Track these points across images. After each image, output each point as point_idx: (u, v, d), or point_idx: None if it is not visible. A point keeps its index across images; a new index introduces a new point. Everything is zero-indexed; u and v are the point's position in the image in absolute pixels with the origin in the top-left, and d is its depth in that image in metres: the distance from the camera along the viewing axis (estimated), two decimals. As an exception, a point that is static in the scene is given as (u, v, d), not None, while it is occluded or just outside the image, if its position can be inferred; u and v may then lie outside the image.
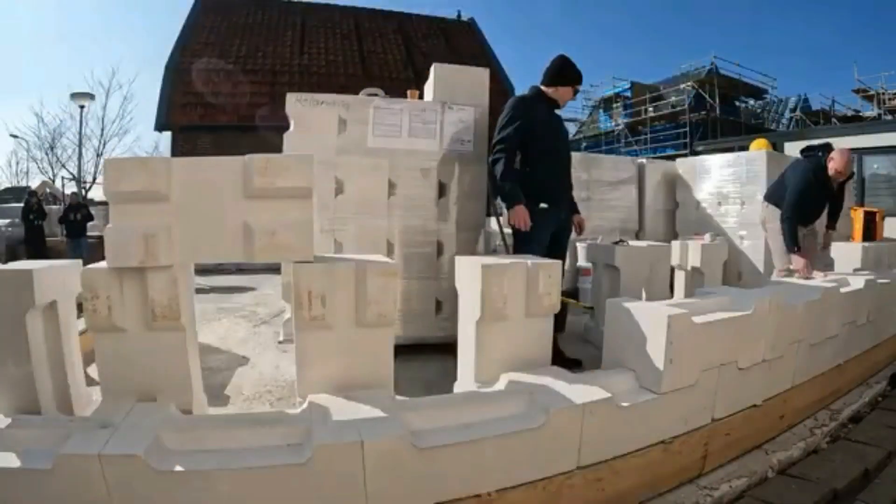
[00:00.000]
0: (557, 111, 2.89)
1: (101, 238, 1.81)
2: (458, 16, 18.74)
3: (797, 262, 3.18)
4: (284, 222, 1.60)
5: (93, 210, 9.89)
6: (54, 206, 11.27)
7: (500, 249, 4.04)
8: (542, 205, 2.65)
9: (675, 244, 4.04)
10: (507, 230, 3.11)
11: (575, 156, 4.21)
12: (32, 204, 9.30)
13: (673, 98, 17.67)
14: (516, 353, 1.89)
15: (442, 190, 3.18)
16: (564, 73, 2.78)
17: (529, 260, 1.98)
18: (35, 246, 8.86)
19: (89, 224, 8.94)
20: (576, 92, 2.88)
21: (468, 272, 1.97)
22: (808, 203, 3.32)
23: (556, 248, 2.74)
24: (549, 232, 2.71)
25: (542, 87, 2.79)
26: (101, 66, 44.26)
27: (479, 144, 3.24)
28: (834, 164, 3.30)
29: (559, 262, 2.01)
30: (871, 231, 5.21)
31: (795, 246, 3.22)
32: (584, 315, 3.56)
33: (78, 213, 8.78)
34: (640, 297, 3.08)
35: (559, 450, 1.55)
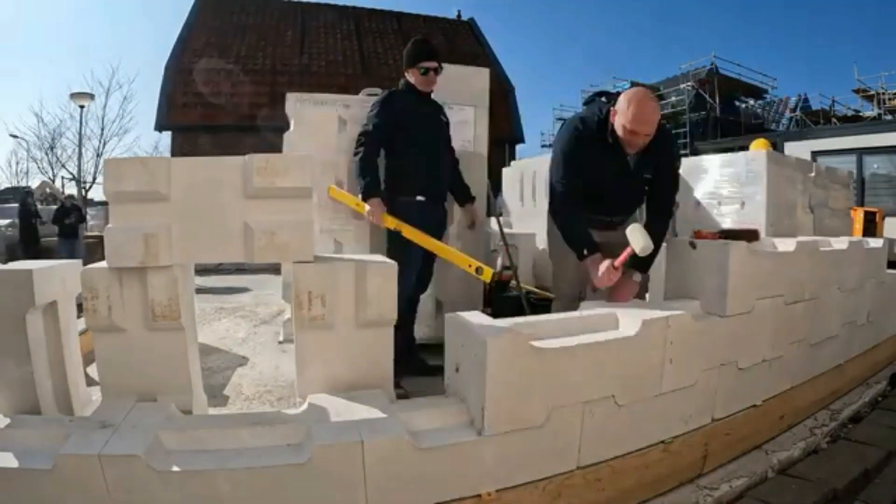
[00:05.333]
0: (433, 100, 2.68)
1: (100, 238, 1.81)
2: (458, 16, 18.75)
3: (594, 268, 2.00)
4: (284, 222, 1.60)
5: (93, 210, 9.91)
6: (53, 206, 11.28)
7: (501, 249, 4.04)
8: (419, 197, 2.50)
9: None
10: (508, 230, 3.11)
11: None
12: (30, 204, 9.35)
13: (673, 98, 17.67)
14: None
15: (442, 190, 3.18)
16: (408, 55, 2.59)
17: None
18: (30, 245, 8.89)
19: (90, 224, 8.97)
20: (427, 72, 2.55)
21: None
22: (581, 173, 2.11)
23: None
24: (429, 225, 2.50)
25: (405, 78, 2.64)
26: (101, 66, 44.29)
27: (479, 144, 3.24)
28: (620, 117, 1.98)
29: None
30: (871, 231, 5.21)
31: (584, 246, 2.05)
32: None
33: (71, 214, 8.82)
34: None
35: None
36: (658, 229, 2.09)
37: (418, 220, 2.46)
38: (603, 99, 2.22)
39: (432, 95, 2.68)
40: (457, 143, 3.18)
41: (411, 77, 2.59)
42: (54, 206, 10.11)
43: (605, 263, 1.96)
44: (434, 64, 2.57)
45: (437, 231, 2.61)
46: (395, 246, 2.43)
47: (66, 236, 8.78)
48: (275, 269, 5.25)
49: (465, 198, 2.88)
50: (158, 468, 1.25)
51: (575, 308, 2.02)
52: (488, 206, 3.42)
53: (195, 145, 12.50)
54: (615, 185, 2.16)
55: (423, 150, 2.54)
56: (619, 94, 2.11)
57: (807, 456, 2.10)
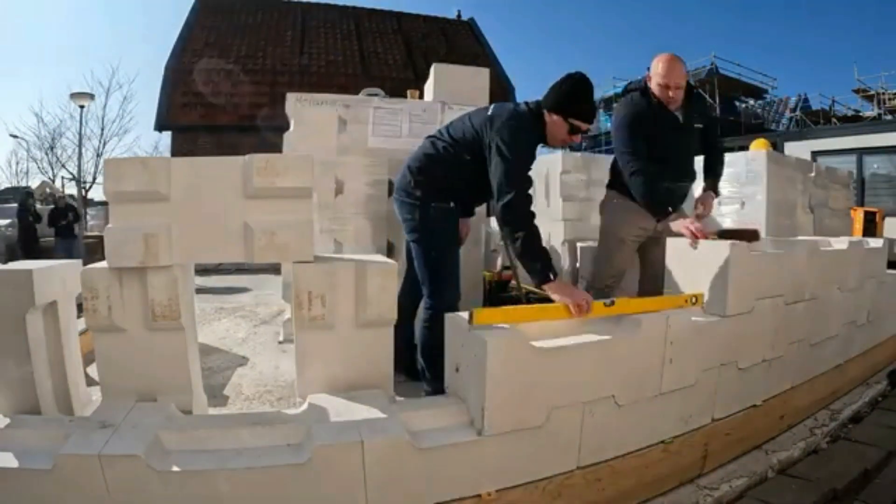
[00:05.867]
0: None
1: (100, 238, 1.81)
2: (458, 16, 18.74)
3: (678, 225, 2.15)
4: (284, 222, 1.60)
5: (93, 210, 9.91)
6: (52, 206, 11.31)
7: (501, 249, 4.04)
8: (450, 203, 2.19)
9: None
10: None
11: (575, 156, 4.22)
12: (30, 205, 9.36)
13: (673, 98, 17.62)
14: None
15: (442, 190, 3.17)
16: (578, 100, 2.09)
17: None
18: (29, 246, 8.89)
19: (90, 224, 8.98)
20: (577, 132, 2.12)
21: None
22: (647, 143, 2.31)
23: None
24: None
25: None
26: (101, 66, 44.31)
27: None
28: (654, 78, 2.33)
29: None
30: (871, 231, 5.21)
31: (670, 205, 2.26)
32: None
33: (68, 214, 8.82)
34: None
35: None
36: (721, 165, 2.66)
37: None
38: (632, 85, 2.55)
39: None
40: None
41: (562, 124, 2.07)
42: (52, 207, 10.13)
43: (686, 221, 2.16)
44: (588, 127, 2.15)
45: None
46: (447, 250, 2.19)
47: (64, 236, 8.79)
48: (275, 269, 5.25)
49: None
50: (158, 468, 1.25)
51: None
52: (488, 205, 3.42)
53: (195, 145, 12.49)
54: (676, 144, 2.44)
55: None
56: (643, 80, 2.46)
57: (807, 456, 2.10)
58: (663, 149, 2.38)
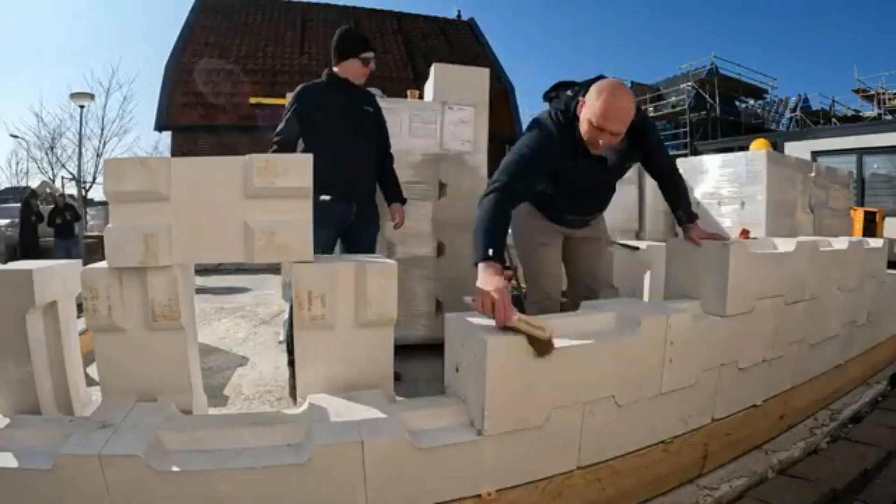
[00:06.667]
0: (360, 90, 2.58)
1: (100, 238, 1.81)
2: (458, 15, 18.75)
3: (488, 276, 1.53)
4: (284, 222, 1.60)
5: (93, 210, 9.91)
6: (51, 206, 11.32)
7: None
8: (323, 197, 2.22)
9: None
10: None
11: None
12: (34, 205, 9.35)
13: (673, 98, 17.70)
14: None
15: (442, 190, 3.18)
16: (345, 44, 2.52)
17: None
18: (31, 246, 8.89)
19: (90, 224, 8.97)
20: (365, 62, 2.53)
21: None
22: (536, 183, 1.93)
23: (351, 245, 2.48)
24: (333, 227, 2.41)
25: (333, 70, 2.55)
26: (101, 66, 44.31)
27: (478, 144, 3.24)
28: (586, 110, 1.77)
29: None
30: (871, 231, 5.21)
31: (493, 248, 1.60)
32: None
33: (66, 213, 8.81)
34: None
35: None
36: (682, 186, 2.17)
37: (319, 221, 1.90)
38: (569, 93, 1.92)
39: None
40: (457, 142, 3.19)
41: (343, 70, 2.52)
42: (52, 206, 10.15)
43: (501, 283, 1.50)
44: (373, 54, 2.57)
45: (335, 227, 2.45)
46: None
47: (62, 236, 8.77)
48: (275, 269, 5.26)
49: (391, 198, 2.70)
50: (158, 468, 1.25)
51: (556, 310, 2.00)
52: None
53: (195, 145, 12.49)
54: (589, 187, 2.05)
55: (341, 147, 2.41)
56: (586, 83, 1.84)
57: (807, 456, 2.10)
58: (569, 182, 2.00)
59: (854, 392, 2.74)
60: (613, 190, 2.24)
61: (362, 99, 2.59)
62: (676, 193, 2.16)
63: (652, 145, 2.09)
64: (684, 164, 5.70)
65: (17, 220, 9.73)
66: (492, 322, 1.51)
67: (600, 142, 1.79)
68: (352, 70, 2.53)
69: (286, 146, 2.37)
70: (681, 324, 1.77)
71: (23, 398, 1.66)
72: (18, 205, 10.26)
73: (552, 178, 1.98)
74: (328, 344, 1.65)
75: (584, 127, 1.81)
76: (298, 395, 1.68)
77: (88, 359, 2.12)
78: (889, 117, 14.87)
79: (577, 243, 2.31)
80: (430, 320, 3.16)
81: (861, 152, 9.21)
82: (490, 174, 3.23)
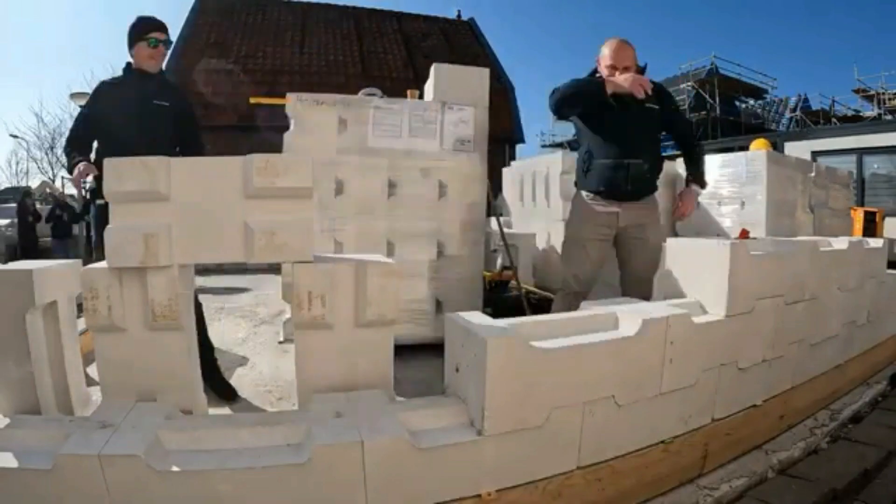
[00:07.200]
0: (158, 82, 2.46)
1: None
2: (458, 16, 18.75)
3: (622, 80, 2.35)
4: (284, 222, 1.60)
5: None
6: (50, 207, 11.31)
7: (501, 250, 4.04)
8: (100, 201, 2.19)
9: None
10: (508, 230, 3.10)
11: (575, 156, 4.21)
12: (29, 205, 9.35)
13: (673, 98, 17.63)
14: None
15: (442, 190, 3.18)
16: (131, 30, 2.41)
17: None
18: (30, 246, 8.89)
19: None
20: (151, 42, 2.37)
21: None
22: (593, 118, 2.50)
23: None
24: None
25: (128, 61, 2.45)
26: (101, 66, 44.25)
27: (479, 144, 3.24)
28: (603, 61, 2.49)
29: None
30: (871, 231, 5.21)
31: (599, 79, 2.43)
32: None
33: (65, 212, 8.81)
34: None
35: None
36: (697, 151, 2.61)
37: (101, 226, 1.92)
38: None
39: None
40: (457, 142, 3.19)
41: (135, 56, 2.41)
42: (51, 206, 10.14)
43: (629, 74, 2.37)
44: (164, 36, 2.41)
45: None
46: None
47: (60, 236, 8.77)
48: (275, 269, 5.25)
49: None
50: (158, 468, 1.25)
51: (577, 305, 2.04)
52: (488, 206, 3.42)
53: (195, 145, 12.47)
54: (625, 121, 2.43)
55: (131, 143, 2.12)
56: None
57: (807, 456, 2.10)
58: (611, 125, 2.45)
59: (854, 392, 2.74)
60: (655, 141, 2.62)
61: (156, 92, 2.42)
62: (689, 155, 2.62)
63: (673, 103, 2.65)
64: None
65: (16, 220, 9.73)
66: (492, 322, 1.54)
67: (628, 85, 2.32)
68: (141, 56, 2.41)
69: (73, 144, 2.33)
70: (681, 324, 1.77)
71: (23, 398, 1.66)
72: (17, 205, 10.26)
73: (601, 113, 2.44)
74: (328, 344, 1.65)
75: (605, 73, 2.44)
76: (298, 395, 1.68)
77: (88, 359, 2.12)
78: (889, 117, 14.87)
79: (628, 244, 2.53)
80: (430, 320, 3.16)
81: (861, 152, 9.21)
82: (490, 174, 3.21)
